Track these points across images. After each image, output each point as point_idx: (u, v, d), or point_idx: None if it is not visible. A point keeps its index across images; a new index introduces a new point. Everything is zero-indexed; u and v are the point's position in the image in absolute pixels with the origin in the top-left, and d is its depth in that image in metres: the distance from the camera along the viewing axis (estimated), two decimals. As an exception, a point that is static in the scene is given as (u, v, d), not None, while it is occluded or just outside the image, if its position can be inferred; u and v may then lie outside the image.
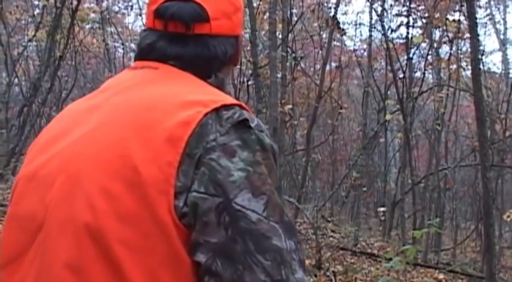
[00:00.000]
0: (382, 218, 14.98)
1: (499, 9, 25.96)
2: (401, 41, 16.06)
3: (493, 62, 37.63)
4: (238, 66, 14.73)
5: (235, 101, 1.37)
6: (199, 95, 1.36)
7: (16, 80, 18.09)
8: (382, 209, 14.11)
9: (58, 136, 1.41)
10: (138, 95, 1.38)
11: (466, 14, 10.15)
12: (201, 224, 1.23)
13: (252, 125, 1.32)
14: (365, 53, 19.09)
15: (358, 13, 27.66)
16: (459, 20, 14.44)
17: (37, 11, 16.53)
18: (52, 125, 1.50)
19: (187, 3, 1.46)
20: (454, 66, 15.72)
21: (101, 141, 1.30)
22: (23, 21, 18.23)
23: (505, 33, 27.47)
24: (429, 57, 16.88)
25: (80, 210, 1.25)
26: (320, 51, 15.53)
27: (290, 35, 13.33)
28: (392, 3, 17.53)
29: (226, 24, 1.52)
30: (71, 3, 12.89)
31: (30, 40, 16.05)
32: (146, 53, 1.50)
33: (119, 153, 1.26)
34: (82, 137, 1.34)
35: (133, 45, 24.01)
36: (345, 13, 20.88)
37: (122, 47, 21.59)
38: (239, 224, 1.22)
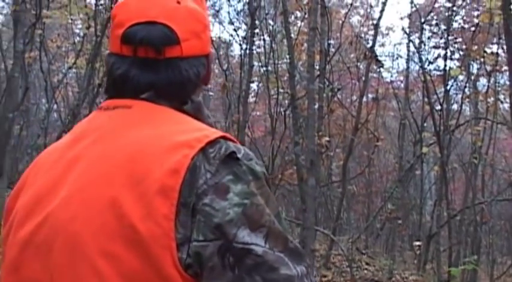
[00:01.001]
0: (418, 252, 14.86)
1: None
2: (439, 73, 16.01)
3: (531, 95, 37.21)
4: (275, 96, 14.79)
5: (218, 133, 1.35)
6: (183, 135, 1.33)
7: (55, 106, 18.34)
8: (417, 243, 13.99)
9: (43, 194, 1.37)
10: (120, 144, 1.34)
11: (504, 46, 10.12)
12: (207, 271, 1.22)
13: (240, 155, 1.30)
14: (402, 85, 19.03)
15: (395, 45, 27.68)
16: (497, 53, 14.36)
17: (77, 39, 16.74)
18: (31, 179, 1.45)
19: (155, 26, 1.42)
20: (492, 99, 15.58)
21: (92, 200, 1.27)
22: (63, 49, 18.48)
23: (543, 66, 27.16)
24: (467, 89, 16.77)
25: (84, 276, 1.23)
26: (357, 83, 15.52)
27: (327, 66, 13.35)
28: (430, 35, 17.51)
29: (197, 44, 1.48)
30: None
31: (70, 67, 16.26)
32: (120, 85, 1.45)
33: (113, 213, 1.24)
34: (70, 195, 1.31)
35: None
36: (382, 45, 20.88)
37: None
38: (245, 262, 1.20)
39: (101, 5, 12.77)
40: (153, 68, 1.43)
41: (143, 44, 1.41)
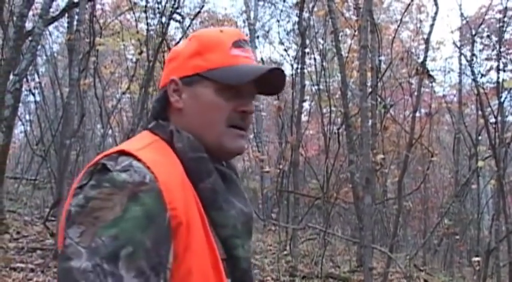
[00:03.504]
0: (477, 268, 14.67)
1: None
2: (492, 85, 15.83)
3: None
4: (327, 115, 14.78)
5: (116, 149, 1.58)
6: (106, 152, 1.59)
7: (110, 132, 18.56)
8: (476, 258, 13.80)
9: None
10: None
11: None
12: None
13: (115, 167, 1.50)
14: (455, 99, 18.89)
15: (446, 59, 27.47)
16: (551, 63, 14.17)
17: (130, 64, 16.98)
18: None
19: None
20: (548, 110, 15.37)
21: None
22: (116, 75, 18.76)
23: None
24: (521, 101, 16.59)
25: None
26: (409, 98, 15.43)
27: (379, 83, 13.31)
28: (482, 47, 17.36)
29: (163, 79, 1.83)
30: (163, 57, 13.20)
31: (123, 93, 16.51)
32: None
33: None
34: None
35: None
36: (434, 59, 20.75)
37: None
38: (63, 249, 1.42)
39: (152, 30, 12.94)
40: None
41: None
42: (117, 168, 1.49)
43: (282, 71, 1.77)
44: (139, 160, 1.52)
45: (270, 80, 1.78)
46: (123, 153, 1.55)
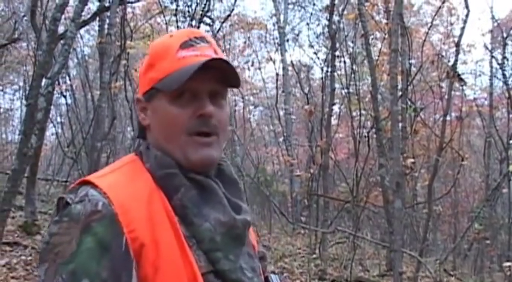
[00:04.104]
0: (508, 273, 14.55)
1: None
2: (524, 88, 15.70)
3: None
4: (357, 118, 14.74)
5: (82, 179, 1.59)
6: None
7: (140, 134, 18.63)
8: (507, 263, 13.69)
9: None
10: None
11: None
12: None
13: (73, 200, 1.51)
14: (486, 102, 18.73)
15: (477, 62, 27.24)
16: None
17: (160, 67, 17.07)
18: None
19: None
20: None
21: None
22: (147, 78, 18.82)
23: None
24: (553, 104, 16.42)
25: None
26: (440, 102, 15.33)
27: (409, 86, 13.25)
28: (513, 50, 17.21)
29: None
30: (193, 60, 13.22)
31: (153, 96, 16.55)
32: None
33: None
34: None
35: (252, 99, 24.41)
36: (464, 62, 20.59)
37: (241, 100, 21.80)
38: None
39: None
40: None
41: None
42: (75, 201, 1.50)
43: (220, 59, 1.64)
44: (96, 187, 1.52)
45: (225, 72, 1.66)
46: (84, 183, 1.56)
